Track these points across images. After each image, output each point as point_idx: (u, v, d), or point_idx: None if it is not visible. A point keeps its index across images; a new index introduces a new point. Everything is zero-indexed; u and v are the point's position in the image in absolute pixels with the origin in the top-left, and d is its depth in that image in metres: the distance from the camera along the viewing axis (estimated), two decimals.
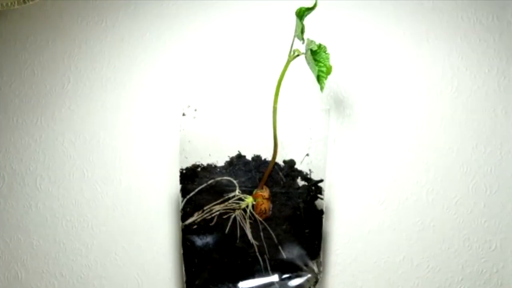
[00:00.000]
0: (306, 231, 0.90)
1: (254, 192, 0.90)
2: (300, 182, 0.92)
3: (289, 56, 0.86)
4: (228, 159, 0.92)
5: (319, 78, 0.82)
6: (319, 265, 0.90)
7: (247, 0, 1.03)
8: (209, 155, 0.91)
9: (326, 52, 0.82)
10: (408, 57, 1.01)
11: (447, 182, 0.99)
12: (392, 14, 1.02)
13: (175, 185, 0.95)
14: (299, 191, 0.91)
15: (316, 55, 0.82)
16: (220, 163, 0.91)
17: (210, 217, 0.89)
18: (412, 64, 1.01)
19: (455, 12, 1.01)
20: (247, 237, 0.89)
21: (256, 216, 0.89)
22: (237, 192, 0.90)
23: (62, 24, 1.05)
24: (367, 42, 1.02)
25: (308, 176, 0.92)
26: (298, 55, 0.85)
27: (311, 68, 0.84)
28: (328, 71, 0.81)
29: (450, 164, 0.99)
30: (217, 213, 0.89)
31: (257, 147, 0.92)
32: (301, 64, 0.86)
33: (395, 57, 1.01)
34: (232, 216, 0.89)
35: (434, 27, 1.01)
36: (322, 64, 0.81)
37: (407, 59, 1.01)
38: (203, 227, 0.89)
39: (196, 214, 0.89)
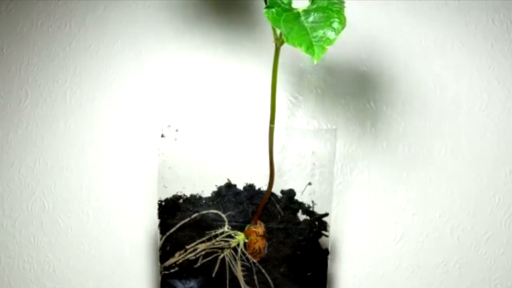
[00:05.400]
0: (308, 274, 0.86)
1: (247, 228, 0.86)
2: (301, 216, 0.88)
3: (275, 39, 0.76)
4: (215, 188, 0.89)
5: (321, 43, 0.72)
6: None
7: (241, 0, 1.02)
8: (193, 184, 0.88)
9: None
10: (430, 67, 1.00)
11: (476, 216, 0.96)
12: (411, 17, 1.01)
13: (153, 220, 0.95)
14: (300, 226, 0.87)
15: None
16: (206, 193, 0.88)
17: (194, 257, 0.85)
18: (435, 75, 0.99)
19: (484, 14, 1.00)
20: (238, 281, 0.85)
21: (249, 256, 0.85)
22: (226, 228, 0.86)
23: (18, 29, 1.04)
24: (382, 48, 1.01)
25: (311, 209, 0.88)
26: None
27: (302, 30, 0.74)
28: (342, 25, 0.71)
29: (479, 195, 0.97)
30: (203, 252, 0.85)
31: (250, 174, 0.89)
32: (302, 74, 0.86)
33: (415, 66, 1.00)
34: (220, 257, 0.85)
35: (461, 32, 1.00)
36: (328, 15, 0.72)
37: (429, 69, 0.99)
38: (186, 269, 0.86)
39: (177, 254, 0.86)
